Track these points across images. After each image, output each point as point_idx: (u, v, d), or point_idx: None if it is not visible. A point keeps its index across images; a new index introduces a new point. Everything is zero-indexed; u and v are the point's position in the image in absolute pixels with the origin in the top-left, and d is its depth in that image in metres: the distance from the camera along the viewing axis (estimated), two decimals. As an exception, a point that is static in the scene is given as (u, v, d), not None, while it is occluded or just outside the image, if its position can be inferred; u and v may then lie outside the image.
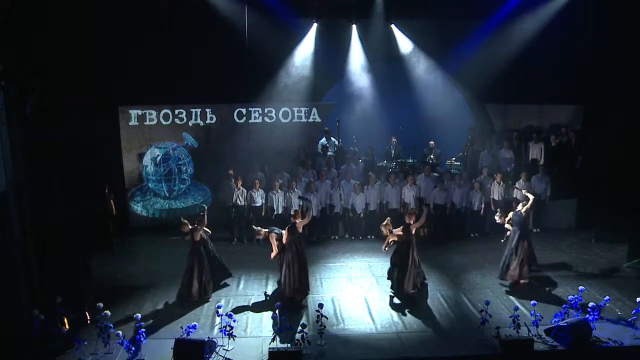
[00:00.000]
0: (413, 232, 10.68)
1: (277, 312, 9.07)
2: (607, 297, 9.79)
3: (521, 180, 14.04)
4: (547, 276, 11.64)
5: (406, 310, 10.21)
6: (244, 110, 15.07)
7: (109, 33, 12.74)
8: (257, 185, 13.81)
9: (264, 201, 13.86)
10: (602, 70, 13.87)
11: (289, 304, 10.10)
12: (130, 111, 14.64)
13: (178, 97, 14.52)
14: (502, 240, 11.42)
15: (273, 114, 15.14)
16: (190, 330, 8.71)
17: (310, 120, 15.41)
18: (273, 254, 10.74)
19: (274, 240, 10.64)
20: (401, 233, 10.67)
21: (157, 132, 14.83)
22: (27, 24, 10.19)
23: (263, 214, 13.79)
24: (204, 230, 10.73)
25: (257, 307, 10.36)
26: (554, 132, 15.23)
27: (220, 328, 9.15)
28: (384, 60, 15.69)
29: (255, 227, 11.09)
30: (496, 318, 9.42)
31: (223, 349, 8.83)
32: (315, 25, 14.96)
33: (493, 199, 14.19)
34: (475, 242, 13.96)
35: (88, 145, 12.05)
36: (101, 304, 8.95)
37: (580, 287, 9.85)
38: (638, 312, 9.18)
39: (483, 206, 14.08)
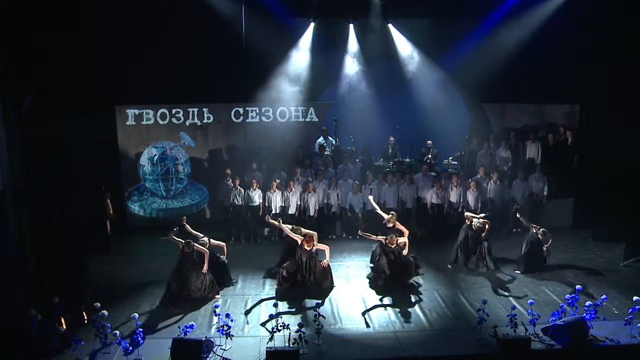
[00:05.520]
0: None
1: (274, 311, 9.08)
2: (604, 296, 9.81)
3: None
4: (545, 275, 11.67)
5: (403, 310, 10.22)
6: (241, 110, 15.05)
7: (107, 33, 12.71)
8: (255, 185, 13.81)
9: (261, 200, 13.87)
10: (600, 70, 13.86)
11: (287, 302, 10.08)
12: (127, 111, 14.61)
13: (175, 96, 14.49)
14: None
15: (270, 114, 15.13)
16: (188, 329, 8.70)
17: (308, 119, 15.40)
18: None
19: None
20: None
21: (154, 132, 14.81)
22: (24, 23, 10.18)
23: (260, 213, 13.78)
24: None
25: (255, 307, 10.36)
26: (552, 131, 15.23)
27: (217, 327, 9.12)
28: (381, 60, 15.68)
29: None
30: (493, 317, 9.43)
31: (220, 349, 8.83)
32: (312, 24, 14.92)
33: (490, 198, 14.22)
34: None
35: (85, 145, 12.01)
36: (98, 304, 8.95)
37: (577, 286, 9.88)
38: (635, 311, 9.19)
39: (480, 205, 14.09)
